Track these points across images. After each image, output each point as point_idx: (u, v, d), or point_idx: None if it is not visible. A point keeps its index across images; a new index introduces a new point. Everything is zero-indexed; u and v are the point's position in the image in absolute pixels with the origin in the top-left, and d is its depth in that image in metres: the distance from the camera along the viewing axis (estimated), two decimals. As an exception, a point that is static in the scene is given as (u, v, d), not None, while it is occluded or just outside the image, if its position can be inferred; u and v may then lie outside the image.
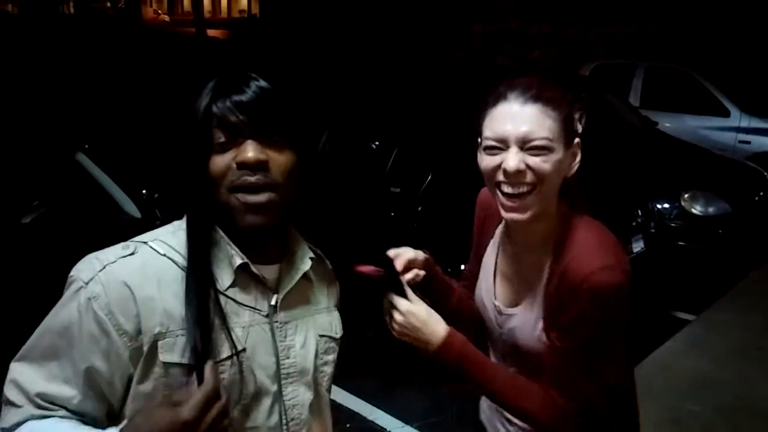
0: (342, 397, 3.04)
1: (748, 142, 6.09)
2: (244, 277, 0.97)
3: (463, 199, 3.57)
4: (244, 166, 0.91)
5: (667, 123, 6.19)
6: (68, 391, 0.89)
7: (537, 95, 1.05)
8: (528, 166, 1.04)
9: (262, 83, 0.94)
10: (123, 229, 2.86)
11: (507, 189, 1.07)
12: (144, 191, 2.98)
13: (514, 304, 1.21)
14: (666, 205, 4.39)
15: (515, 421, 1.27)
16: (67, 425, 0.88)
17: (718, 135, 6.19)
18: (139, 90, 4.25)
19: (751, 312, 3.94)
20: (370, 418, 3.02)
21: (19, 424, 0.88)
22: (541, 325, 1.14)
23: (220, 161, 0.92)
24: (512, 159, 1.04)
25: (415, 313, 1.11)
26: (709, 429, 2.78)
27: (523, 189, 1.06)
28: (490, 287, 1.26)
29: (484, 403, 1.45)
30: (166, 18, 18.84)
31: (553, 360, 1.11)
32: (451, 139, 4.17)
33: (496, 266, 1.27)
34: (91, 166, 2.94)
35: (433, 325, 1.12)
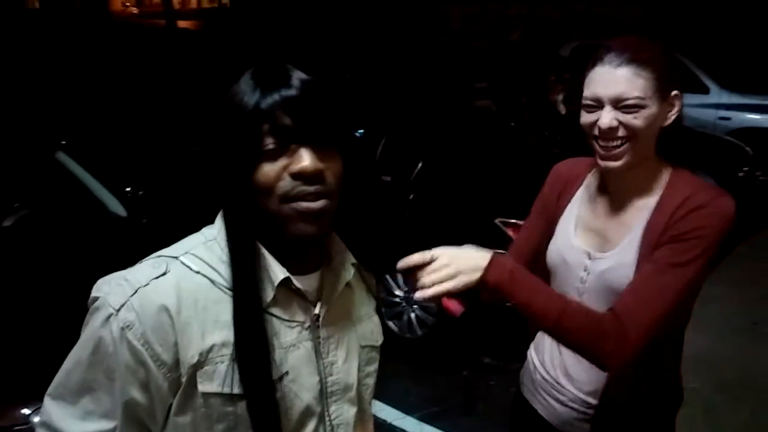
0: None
1: (729, 119, 6.13)
2: (285, 292, 0.88)
3: (454, 185, 3.57)
4: (300, 176, 0.81)
5: (648, 101, 6.21)
6: (106, 425, 0.82)
7: (631, 57, 1.11)
8: (621, 123, 1.12)
9: (305, 76, 0.84)
10: (109, 229, 2.80)
11: (602, 142, 1.15)
12: (128, 189, 2.90)
13: (606, 249, 1.24)
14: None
15: (567, 387, 1.31)
16: None
17: (699, 112, 6.21)
18: (113, 84, 4.14)
19: (743, 285, 3.98)
20: (369, 410, 2.99)
21: None
22: (633, 268, 1.17)
23: (270, 170, 0.81)
24: (606, 117, 1.13)
25: (444, 250, 1.06)
26: (711, 405, 2.79)
27: (617, 143, 1.14)
28: (571, 240, 1.30)
29: (527, 376, 1.44)
30: (135, 10, 18.45)
31: (640, 275, 1.13)
32: (440, 125, 4.13)
33: (577, 223, 1.31)
34: (72, 165, 2.84)
35: (471, 250, 1.09)
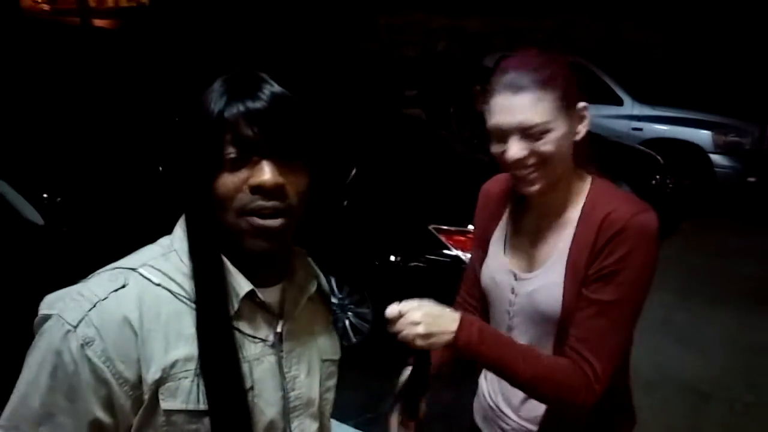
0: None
1: (641, 129, 6.48)
2: (249, 305, 0.86)
3: (388, 192, 3.58)
4: (259, 190, 0.79)
5: (567, 112, 6.47)
6: None
7: (529, 81, 1.05)
8: (531, 151, 1.07)
9: (275, 87, 0.82)
10: (23, 238, 2.63)
11: (515, 171, 1.11)
12: (45, 195, 2.73)
13: (532, 269, 1.19)
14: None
15: (509, 414, 1.28)
16: None
17: (613, 123, 6.54)
18: (25, 83, 3.89)
19: (653, 287, 4.20)
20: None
21: None
22: (561, 287, 1.13)
23: (229, 181, 0.79)
24: (512, 148, 1.07)
25: (424, 304, 1.07)
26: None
27: (529, 170, 1.09)
28: (502, 261, 1.25)
29: (479, 403, 1.41)
30: (46, 7, 17.46)
31: (584, 316, 1.09)
32: (373, 132, 4.14)
33: (506, 243, 1.27)
34: (-18, 170, 2.65)
35: (440, 307, 1.09)
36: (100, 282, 0.80)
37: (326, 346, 1.00)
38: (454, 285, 3.31)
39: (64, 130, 3.21)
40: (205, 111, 0.80)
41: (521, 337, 1.21)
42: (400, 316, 1.05)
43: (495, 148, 1.11)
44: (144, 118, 3.42)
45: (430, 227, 3.24)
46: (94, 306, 0.76)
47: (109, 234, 2.75)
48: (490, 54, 7.73)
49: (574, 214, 1.15)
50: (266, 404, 0.87)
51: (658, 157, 5.49)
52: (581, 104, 1.11)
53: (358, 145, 3.78)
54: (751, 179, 6.24)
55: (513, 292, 1.21)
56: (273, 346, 0.89)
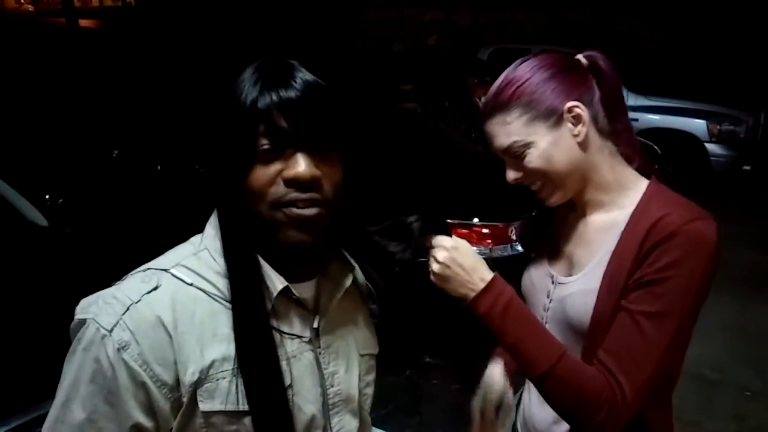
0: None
1: (636, 119, 6.51)
2: (284, 301, 0.84)
3: (389, 186, 3.56)
4: (294, 183, 0.77)
5: (562, 104, 6.49)
6: None
7: (491, 107, 1.04)
8: (524, 170, 1.05)
9: (308, 75, 0.79)
10: (28, 240, 2.59)
11: (531, 190, 1.08)
12: (47, 197, 2.69)
13: (572, 273, 1.09)
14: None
15: None
16: None
17: (607, 113, 6.55)
18: (19, 85, 3.84)
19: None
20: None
21: None
22: (594, 295, 1.00)
23: (263, 174, 0.77)
24: (508, 173, 1.07)
25: (461, 249, 0.99)
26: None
27: (535, 189, 1.07)
28: (543, 263, 1.17)
29: (519, 414, 1.27)
30: (30, 7, 17.26)
31: (617, 327, 0.96)
32: (371, 127, 4.12)
33: (550, 244, 1.18)
34: (-18, 172, 2.60)
35: (480, 263, 1.00)
36: (133, 284, 0.79)
37: (364, 340, 0.98)
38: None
39: (63, 131, 3.17)
40: (236, 101, 0.77)
41: None
42: (431, 246, 1.00)
43: (506, 174, 1.09)
44: (141, 117, 3.39)
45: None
46: (128, 309, 0.75)
47: (113, 234, 2.72)
48: (484, 47, 7.73)
49: (621, 216, 1.03)
50: (305, 401, 0.85)
51: (656, 147, 5.51)
52: (569, 104, 1.00)
53: (358, 138, 3.76)
54: (746, 168, 6.29)
55: (548, 297, 1.12)
56: (310, 342, 0.87)
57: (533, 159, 1.01)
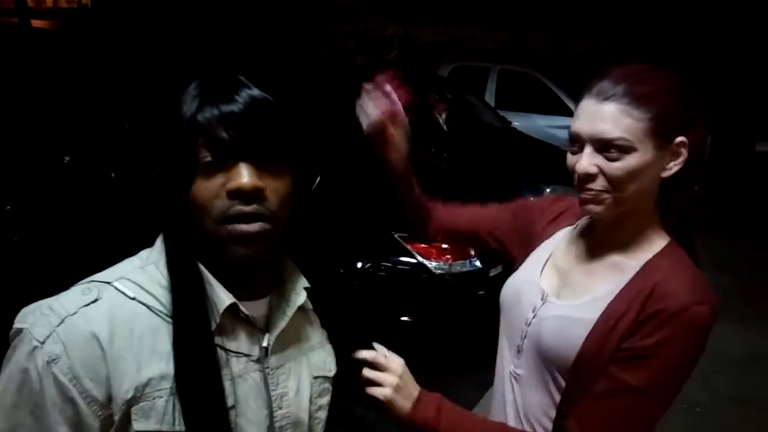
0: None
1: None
2: (231, 319, 0.82)
3: (353, 199, 3.54)
4: (237, 194, 0.75)
5: (519, 122, 6.62)
6: None
7: (623, 92, 0.94)
8: (601, 170, 0.95)
9: (254, 90, 0.78)
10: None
11: (580, 188, 0.99)
12: (-6, 203, 2.59)
13: (564, 295, 1.06)
14: (531, 199, 4.68)
15: None
16: None
17: (564, 133, 6.59)
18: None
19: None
20: None
21: None
22: (588, 328, 0.98)
23: (205, 187, 0.76)
24: (584, 161, 0.96)
25: (399, 364, 1.02)
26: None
27: (593, 193, 0.97)
28: (533, 277, 1.13)
29: None
30: (-19, 6, 16.64)
31: (598, 391, 0.96)
32: (335, 138, 4.10)
33: (546, 262, 1.14)
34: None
35: (410, 379, 1.03)
36: (72, 296, 0.76)
37: (318, 361, 0.95)
38: (418, 292, 3.31)
39: (12, 135, 3.06)
40: (177, 115, 0.77)
41: (526, 367, 1.10)
42: (375, 366, 1.01)
43: (569, 160, 1.00)
44: (95, 122, 3.30)
45: (395, 235, 3.23)
46: (63, 321, 0.73)
47: (63, 242, 2.63)
48: (444, 64, 7.83)
49: (634, 262, 1.00)
50: (249, 424, 0.82)
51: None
52: (680, 138, 0.96)
53: (322, 152, 3.74)
54: (695, 188, 6.49)
55: (533, 312, 1.08)
56: (258, 361, 0.85)
57: (623, 167, 0.94)
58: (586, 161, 0.96)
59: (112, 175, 3.10)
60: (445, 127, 5.47)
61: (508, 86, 7.31)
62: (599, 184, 0.96)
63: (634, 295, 0.96)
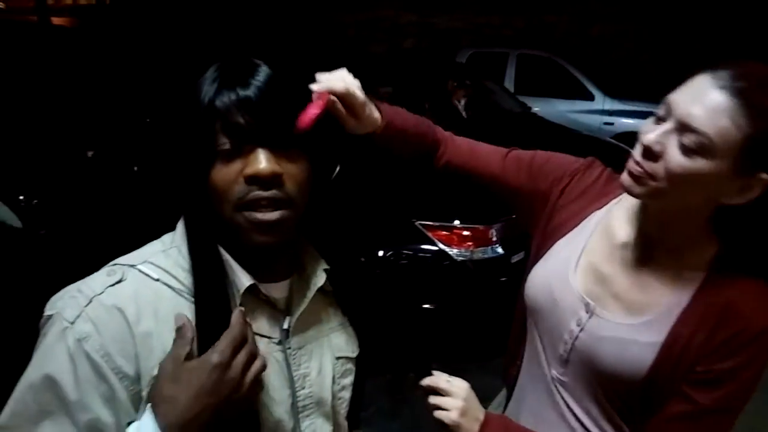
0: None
1: (612, 124, 6.60)
2: (251, 300, 0.83)
3: (374, 188, 3.55)
4: (255, 180, 0.76)
5: (539, 107, 6.55)
6: None
7: (741, 89, 0.81)
8: (662, 156, 0.85)
9: (272, 75, 0.79)
10: (2, 242, 2.53)
11: (632, 159, 0.90)
12: (21, 198, 2.63)
13: (612, 307, 0.98)
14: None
15: None
16: None
17: (585, 118, 6.64)
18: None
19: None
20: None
21: None
22: (656, 351, 0.92)
23: (224, 173, 0.77)
24: (654, 133, 0.86)
25: (468, 393, 1.02)
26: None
27: (641, 173, 0.88)
28: (568, 275, 1.04)
29: None
30: (1, 5, 16.91)
31: (672, 412, 0.92)
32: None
33: (581, 254, 1.04)
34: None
35: (476, 402, 1.03)
36: (98, 278, 0.79)
37: (341, 342, 0.96)
38: (439, 279, 3.30)
39: (38, 131, 3.11)
40: (195, 100, 0.78)
41: (572, 376, 1.05)
42: (442, 393, 1.01)
43: (645, 126, 0.89)
44: (116, 116, 3.34)
45: (416, 222, 3.23)
46: (90, 301, 0.75)
47: (88, 235, 2.68)
48: (462, 50, 7.76)
49: (690, 276, 0.93)
50: (273, 402, 0.84)
51: (630, 150, 5.58)
52: (764, 174, 0.84)
53: (341, 139, 3.75)
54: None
55: (579, 325, 1.01)
56: (279, 342, 0.87)
57: (688, 166, 0.83)
58: (655, 135, 0.86)
59: (135, 168, 3.14)
60: (464, 113, 5.44)
61: (527, 71, 7.22)
62: (652, 166, 0.87)
63: (701, 312, 0.91)
